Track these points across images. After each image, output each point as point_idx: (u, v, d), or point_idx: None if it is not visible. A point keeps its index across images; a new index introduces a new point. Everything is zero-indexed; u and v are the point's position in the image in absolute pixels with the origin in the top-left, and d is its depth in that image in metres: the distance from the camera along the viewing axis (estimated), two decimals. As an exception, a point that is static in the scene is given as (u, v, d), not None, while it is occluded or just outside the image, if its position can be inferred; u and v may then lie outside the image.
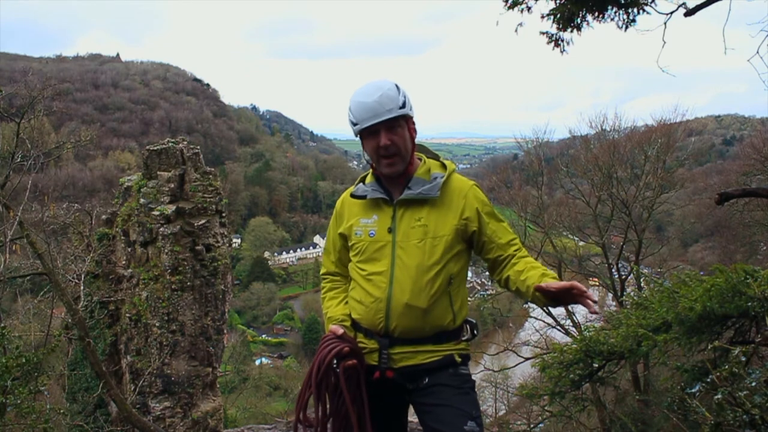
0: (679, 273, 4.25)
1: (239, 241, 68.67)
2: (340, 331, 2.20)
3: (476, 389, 2.29)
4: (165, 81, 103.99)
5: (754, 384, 2.39)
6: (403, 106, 2.11)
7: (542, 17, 5.43)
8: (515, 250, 2.21)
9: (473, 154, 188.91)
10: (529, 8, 5.34)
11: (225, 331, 10.15)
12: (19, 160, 6.74)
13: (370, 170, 2.31)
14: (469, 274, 2.41)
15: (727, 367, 2.51)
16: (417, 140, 2.37)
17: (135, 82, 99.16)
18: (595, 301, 1.88)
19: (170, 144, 9.39)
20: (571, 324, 13.59)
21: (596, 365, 4.22)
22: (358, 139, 2.21)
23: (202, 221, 9.04)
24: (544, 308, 14.09)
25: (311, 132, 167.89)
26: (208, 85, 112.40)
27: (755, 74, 4.66)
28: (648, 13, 5.18)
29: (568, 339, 11.05)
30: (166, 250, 8.69)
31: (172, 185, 8.99)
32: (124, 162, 70.12)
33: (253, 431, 6.06)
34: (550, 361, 4.40)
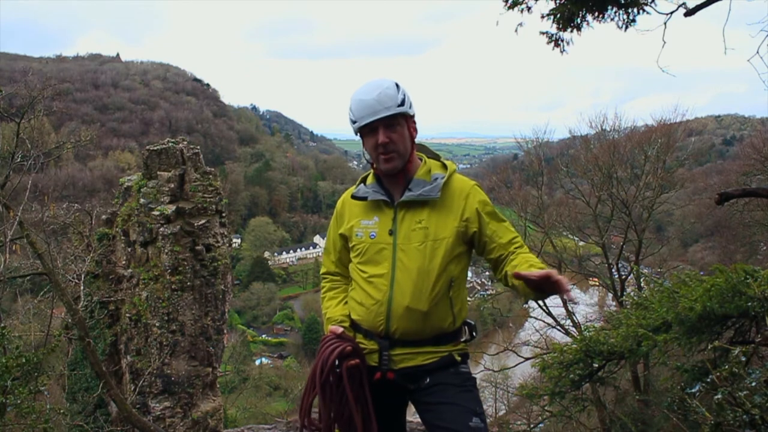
0: (679, 273, 4.25)
1: (239, 241, 68.67)
2: (340, 330, 2.20)
3: (477, 387, 2.30)
4: (165, 81, 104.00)
5: (754, 384, 2.39)
6: (402, 104, 2.11)
7: (542, 17, 5.43)
8: (516, 248, 2.18)
9: (473, 154, 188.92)
10: (529, 8, 5.34)
11: (225, 331, 10.15)
12: (19, 160, 6.74)
13: (371, 171, 2.30)
14: (469, 274, 2.40)
15: (727, 367, 2.51)
16: (418, 140, 2.37)
17: (135, 82, 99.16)
18: (568, 290, 1.85)
19: (170, 144, 9.39)
20: (571, 324, 13.59)
21: (596, 365, 4.22)
22: (358, 138, 2.21)
23: (202, 221, 9.04)
24: (539, 303, 14.11)
25: (311, 132, 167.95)
26: (208, 85, 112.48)
27: (755, 74, 4.66)
28: (648, 13, 5.17)
29: (568, 339, 11.05)
30: (166, 250, 8.69)
31: (172, 185, 8.99)
32: (124, 162, 70.12)
33: (253, 431, 6.06)
34: (550, 361, 4.40)
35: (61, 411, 4.76)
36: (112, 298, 9.25)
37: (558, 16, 5.32)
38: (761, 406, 2.25)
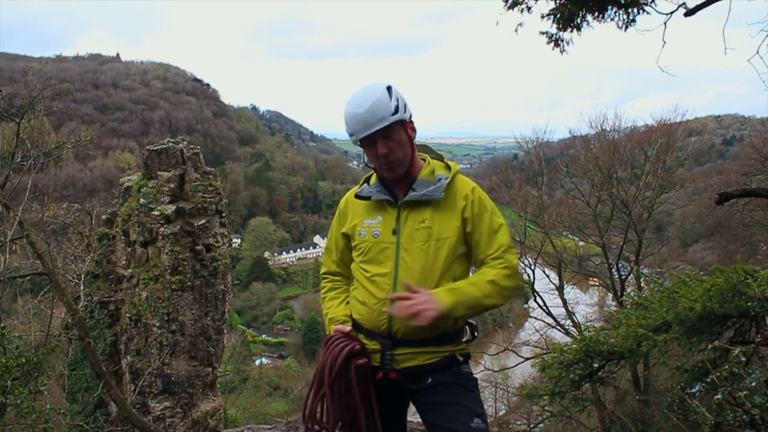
0: (679, 273, 4.25)
1: (239, 241, 68.68)
2: (347, 329, 2.20)
3: (478, 388, 2.30)
4: (165, 81, 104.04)
5: (754, 384, 2.39)
6: (396, 111, 2.08)
7: (542, 17, 5.42)
8: (492, 258, 2.12)
9: (473, 154, 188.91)
10: (529, 8, 5.33)
11: (225, 331, 10.15)
12: (19, 160, 6.74)
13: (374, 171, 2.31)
14: (469, 274, 2.39)
15: (727, 367, 2.51)
16: (419, 140, 2.37)
17: (135, 82, 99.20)
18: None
19: (170, 144, 9.39)
20: (571, 324, 13.60)
21: (596, 365, 4.22)
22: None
23: (202, 221, 9.04)
24: (539, 303, 14.13)
25: (311, 132, 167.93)
26: (208, 85, 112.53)
27: (755, 74, 4.65)
28: (648, 13, 5.17)
29: (568, 339, 11.05)
30: (166, 250, 8.69)
31: (172, 185, 8.99)
32: (124, 162, 70.14)
33: (253, 431, 6.06)
34: (550, 361, 4.40)
35: (61, 411, 4.76)
36: (112, 298, 9.25)
37: (558, 16, 5.32)
38: (761, 406, 2.25)
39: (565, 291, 14.77)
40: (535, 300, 14.47)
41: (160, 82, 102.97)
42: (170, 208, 8.79)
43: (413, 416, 2.39)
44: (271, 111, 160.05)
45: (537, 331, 15.10)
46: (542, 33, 5.63)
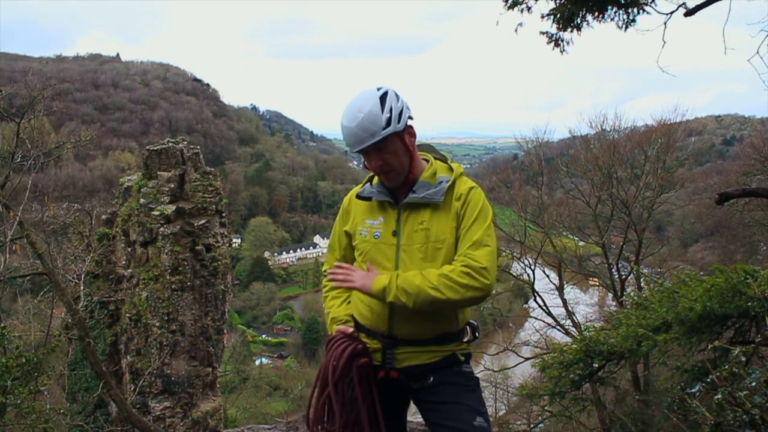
0: (679, 273, 4.25)
1: (239, 241, 68.68)
2: (349, 330, 2.21)
3: (480, 387, 2.30)
4: (165, 81, 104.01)
5: (754, 384, 2.39)
6: (388, 124, 2.03)
7: (542, 17, 5.43)
8: (460, 255, 2.06)
9: (473, 154, 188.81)
10: (529, 8, 5.33)
11: (225, 331, 10.15)
12: (19, 160, 6.74)
13: None
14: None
15: (727, 367, 2.51)
16: (419, 141, 2.36)
17: (135, 82, 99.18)
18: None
19: (170, 144, 9.39)
20: (571, 324, 13.60)
21: (596, 365, 4.22)
22: None
23: (202, 221, 9.04)
24: (538, 303, 14.12)
25: (311, 132, 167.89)
26: (208, 85, 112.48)
27: (755, 74, 4.65)
28: (648, 13, 5.17)
29: (568, 339, 11.05)
30: (166, 250, 8.69)
31: (172, 185, 8.99)
32: (124, 162, 70.14)
33: (253, 431, 6.06)
34: (550, 361, 4.40)
35: (61, 411, 4.76)
36: (112, 298, 9.25)
37: (558, 16, 5.32)
38: (761, 406, 2.25)
39: (565, 291, 14.77)
40: (535, 300, 14.48)
41: (160, 82, 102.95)
42: (170, 208, 8.79)
43: (413, 416, 2.39)
44: (271, 111, 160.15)
45: (537, 331, 15.10)
46: (542, 33, 5.64)
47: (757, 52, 4.44)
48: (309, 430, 2.19)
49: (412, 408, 2.35)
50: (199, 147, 9.86)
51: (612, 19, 5.27)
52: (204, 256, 9.02)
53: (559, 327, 13.84)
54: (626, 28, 5.26)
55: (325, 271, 2.50)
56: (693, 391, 2.92)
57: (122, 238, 9.23)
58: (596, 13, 5.26)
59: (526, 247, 15.15)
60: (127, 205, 9.29)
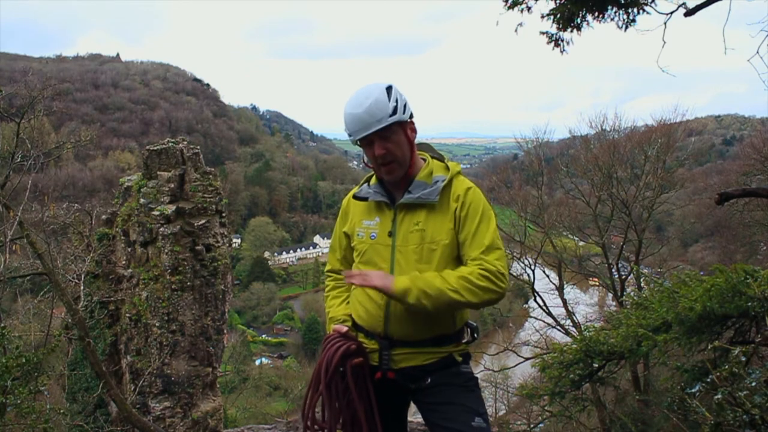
0: (679, 273, 4.25)
1: (239, 241, 68.68)
2: (344, 329, 2.20)
3: (479, 387, 2.29)
4: (165, 81, 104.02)
5: (754, 384, 2.39)
6: (395, 112, 2.05)
7: (542, 17, 5.43)
8: (472, 260, 2.05)
9: (473, 154, 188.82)
10: (529, 8, 5.34)
11: (225, 331, 10.15)
12: (19, 160, 6.74)
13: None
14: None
15: (727, 367, 2.51)
16: (417, 139, 2.36)
17: (135, 82, 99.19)
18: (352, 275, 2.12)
19: (170, 144, 9.39)
20: (571, 324, 13.59)
21: (596, 365, 4.22)
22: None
23: (202, 221, 9.04)
24: (538, 303, 14.10)
25: (311, 132, 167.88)
26: (208, 85, 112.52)
27: (755, 74, 4.65)
28: (648, 13, 5.17)
29: (568, 339, 11.04)
30: (166, 250, 8.69)
31: (172, 185, 8.99)
32: (124, 162, 70.14)
33: (253, 431, 6.06)
34: (550, 361, 4.40)
35: (61, 411, 4.76)
36: (112, 298, 9.25)
37: (558, 16, 5.32)
38: (761, 406, 2.25)
39: (565, 291, 14.77)
40: (535, 300, 14.48)
41: (160, 82, 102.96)
42: (170, 208, 8.79)
43: (413, 416, 2.39)
44: (271, 111, 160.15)
45: (537, 331, 15.10)
46: (542, 33, 5.64)
47: (757, 52, 4.44)
48: (303, 428, 2.20)
49: (413, 408, 2.35)
50: (199, 147, 9.85)
51: (612, 19, 5.27)
52: (204, 256, 9.02)
53: (559, 327, 13.84)
54: (626, 28, 5.26)
55: (327, 271, 2.51)
56: (693, 391, 2.92)
57: (122, 238, 9.23)
58: (596, 13, 5.26)
59: (526, 247, 15.14)
60: (127, 205, 9.29)
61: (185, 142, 9.71)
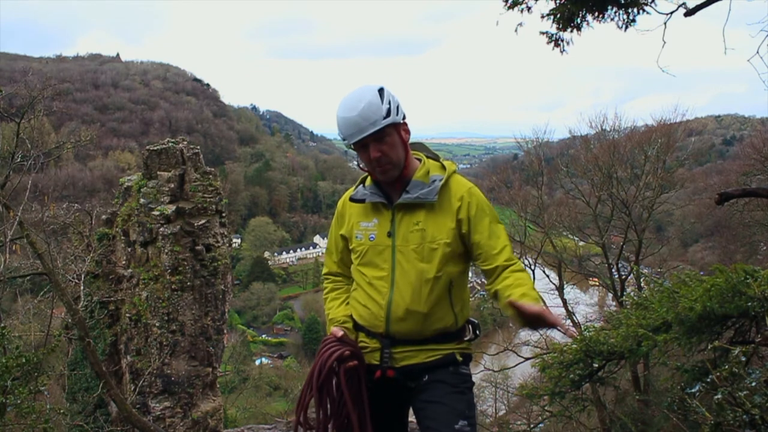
0: (679, 273, 4.25)
1: (239, 241, 68.66)
2: (340, 333, 2.20)
3: (476, 389, 2.29)
4: (165, 81, 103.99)
5: (754, 384, 2.39)
6: (388, 114, 2.05)
7: (542, 17, 5.43)
8: (506, 261, 2.11)
9: (473, 154, 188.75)
10: (529, 8, 5.34)
11: (225, 331, 10.15)
12: (19, 160, 6.75)
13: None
14: (470, 274, 2.38)
15: (727, 367, 2.52)
16: (417, 140, 2.36)
17: (135, 82, 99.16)
18: (566, 329, 1.99)
19: (170, 144, 9.40)
20: (571, 324, 13.59)
21: (596, 365, 4.23)
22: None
23: (202, 221, 9.05)
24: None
25: (311, 132, 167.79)
26: (208, 85, 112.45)
27: (755, 74, 4.66)
28: (648, 13, 5.18)
29: (568, 339, 11.03)
30: (166, 250, 8.70)
31: (172, 185, 8.99)
32: (124, 162, 70.13)
33: (253, 431, 6.06)
34: (550, 361, 4.41)
35: (61, 411, 4.76)
36: (112, 298, 9.25)
37: (558, 16, 5.32)
38: (761, 406, 2.25)
39: (565, 291, 14.78)
40: (535, 300, 14.43)
41: (160, 82, 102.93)
42: (170, 208, 8.80)
43: (414, 416, 2.39)
44: (271, 111, 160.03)
45: (537, 331, 15.07)
46: (542, 33, 5.64)
47: (757, 52, 4.44)
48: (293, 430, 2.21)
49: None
50: (199, 147, 9.86)
51: (612, 19, 5.28)
52: (204, 256, 9.03)
53: (559, 327, 13.82)
54: (626, 28, 5.26)
55: (324, 274, 2.51)
56: (693, 391, 2.93)
57: (122, 238, 9.23)
58: (596, 13, 5.26)
59: (526, 247, 15.15)
60: (127, 205, 9.29)
61: (185, 142, 9.72)
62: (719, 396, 2.35)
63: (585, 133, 18.52)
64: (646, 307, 4.04)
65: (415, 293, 2.10)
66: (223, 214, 9.63)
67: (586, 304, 19.22)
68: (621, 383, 8.26)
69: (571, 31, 5.45)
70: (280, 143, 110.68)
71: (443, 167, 2.26)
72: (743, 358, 2.57)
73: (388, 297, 2.13)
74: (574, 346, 4.38)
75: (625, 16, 5.22)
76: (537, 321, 1.90)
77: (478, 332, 2.27)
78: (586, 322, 13.25)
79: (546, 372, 4.34)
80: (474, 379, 2.33)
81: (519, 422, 13.44)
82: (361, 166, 2.22)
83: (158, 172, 9.10)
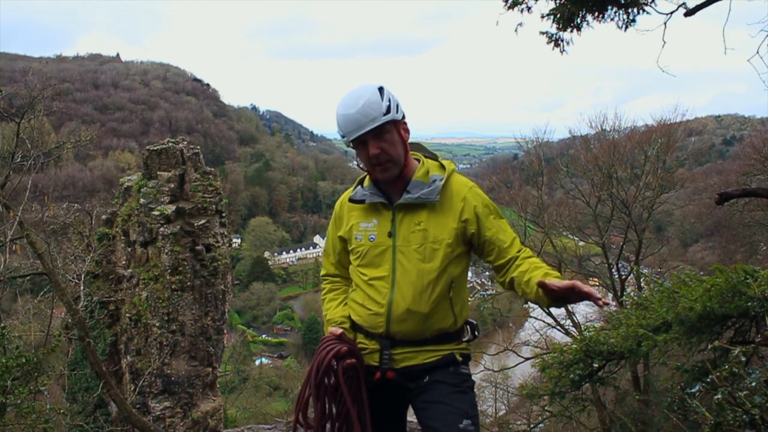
0: (679, 273, 4.24)
1: (239, 241, 68.65)
2: (339, 331, 2.20)
3: (476, 389, 2.29)
4: (165, 81, 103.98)
5: (754, 384, 2.39)
6: (388, 111, 2.06)
7: (542, 17, 5.43)
8: (518, 251, 2.17)
9: (473, 154, 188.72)
10: (529, 8, 5.34)
11: (225, 331, 10.15)
12: (19, 160, 6.75)
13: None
14: (469, 274, 2.39)
15: (727, 367, 2.52)
16: (417, 140, 2.35)
17: (135, 82, 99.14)
18: (599, 298, 1.87)
19: (170, 144, 9.40)
20: (571, 324, 13.59)
21: (596, 365, 4.22)
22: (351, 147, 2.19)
23: (202, 221, 9.05)
24: (545, 309, 14.10)
25: (311, 132, 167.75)
26: (208, 85, 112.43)
27: (755, 74, 4.66)
28: (648, 13, 5.18)
29: (568, 339, 11.04)
30: (166, 250, 8.70)
31: (172, 185, 8.99)
32: (124, 162, 70.12)
33: (253, 431, 6.06)
34: (550, 361, 4.41)
35: (61, 411, 4.76)
36: (112, 298, 9.25)
37: (558, 16, 5.32)
38: (761, 406, 2.25)
39: (565, 291, 14.71)
40: (535, 300, 14.41)
41: (160, 82, 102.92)
42: (170, 208, 8.80)
43: (413, 416, 2.39)
44: (271, 111, 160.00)
45: (537, 331, 15.09)
46: (542, 33, 5.64)
47: (757, 52, 4.44)
48: (293, 428, 2.21)
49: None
50: (199, 147, 9.86)
51: (612, 19, 5.28)
52: (204, 256, 9.03)
53: (559, 327, 13.83)
54: (626, 28, 5.26)
55: (322, 275, 2.50)
56: (693, 391, 2.93)
57: (122, 238, 9.23)
58: (596, 13, 5.26)
59: (526, 247, 15.11)
60: (127, 205, 9.29)
61: (185, 142, 9.72)
62: (719, 396, 2.35)
63: (585, 133, 18.53)
64: (646, 307, 4.04)
65: (416, 293, 2.10)
66: (223, 214, 9.63)
67: (586, 304, 19.16)
68: (621, 383, 8.26)
69: (571, 31, 5.45)
70: (280, 143, 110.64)
71: (442, 167, 2.26)
72: (743, 358, 2.57)
73: (389, 297, 2.12)
74: (574, 346, 4.38)
75: (625, 16, 5.22)
76: (569, 295, 1.89)
77: (477, 333, 2.27)
78: (586, 322, 13.26)
79: (546, 372, 4.34)
80: (474, 379, 2.33)
81: (519, 422, 13.44)
82: (360, 165, 2.22)
83: (158, 172, 9.10)
